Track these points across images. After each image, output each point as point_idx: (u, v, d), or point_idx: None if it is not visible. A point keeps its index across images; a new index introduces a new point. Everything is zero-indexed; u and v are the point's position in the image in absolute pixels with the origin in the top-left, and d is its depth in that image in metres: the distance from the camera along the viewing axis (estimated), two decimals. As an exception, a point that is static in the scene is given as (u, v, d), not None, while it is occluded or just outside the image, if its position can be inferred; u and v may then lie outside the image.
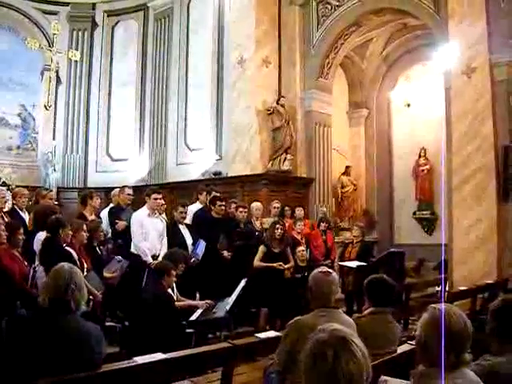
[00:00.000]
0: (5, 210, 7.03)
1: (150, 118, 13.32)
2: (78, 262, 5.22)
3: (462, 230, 8.24)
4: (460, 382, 2.11)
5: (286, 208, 9.16)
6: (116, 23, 14.09)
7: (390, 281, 3.90)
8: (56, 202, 9.47)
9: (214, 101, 11.89)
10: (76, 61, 13.27)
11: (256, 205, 8.34)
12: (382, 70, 13.39)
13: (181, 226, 7.32)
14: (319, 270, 3.38)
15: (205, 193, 8.24)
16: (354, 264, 8.06)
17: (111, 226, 7.39)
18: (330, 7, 10.84)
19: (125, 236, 7.02)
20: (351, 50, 12.10)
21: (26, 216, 7.05)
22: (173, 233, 7.11)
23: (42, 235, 5.51)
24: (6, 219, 6.35)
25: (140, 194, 7.85)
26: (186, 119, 12.52)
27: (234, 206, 8.21)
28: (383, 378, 2.99)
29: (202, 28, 12.37)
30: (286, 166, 10.54)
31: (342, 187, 12.66)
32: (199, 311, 5.65)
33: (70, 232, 5.54)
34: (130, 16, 13.98)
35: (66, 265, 2.92)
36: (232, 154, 10.99)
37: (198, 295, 6.67)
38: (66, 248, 5.41)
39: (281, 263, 7.23)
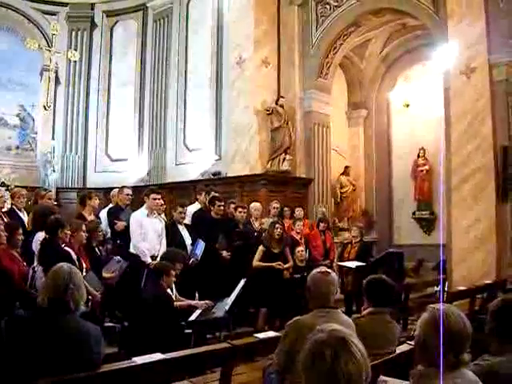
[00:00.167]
0: (4, 210, 7.02)
1: (149, 118, 13.31)
2: (76, 262, 5.22)
3: (461, 230, 8.24)
4: (459, 382, 2.11)
5: (285, 208, 9.16)
6: (115, 23, 14.08)
7: (389, 281, 3.90)
8: (55, 203, 9.45)
9: (213, 101, 11.88)
10: (75, 61, 13.27)
11: (255, 205, 8.34)
12: (381, 70, 13.40)
13: (180, 227, 7.31)
14: (318, 270, 3.38)
15: (204, 193, 8.24)
16: (353, 264, 8.07)
17: (110, 226, 7.38)
18: (329, 7, 10.84)
19: (124, 236, 7.01)
20: (350, 50, 12.11)
21: (24, 216, 7.04)
22: (172, 233, 7.11)
23: (40, 235, 5.51)
24: (5, 219, 6.34)
25: (139, 195, 7.85)
26: (185, 119, 12.51)
27: (233, 206, 8.21)
28: (382, 378, 2.99)
29: (202, 28, 12.36)
30: (285, 167, 10.54)
31: (341, 187, 12.67)
32: (198, 311, 5.65)
33: (69, 232, 5.54)
34: (129, 16, 13.97)
35: (65, 265, 2.92)
36: (231, 154, 10.98)
37: (197, 295, 6.66)
38: (65, 248, 5.41)
39: (280, 263, 7.24)
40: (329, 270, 3.37)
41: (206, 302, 5.83)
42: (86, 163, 13.79)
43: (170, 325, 5.05)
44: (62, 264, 2.93)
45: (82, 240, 5.94)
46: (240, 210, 7.96)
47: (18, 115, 13.31)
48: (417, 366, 2.28)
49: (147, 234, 6.71)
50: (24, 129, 13.42)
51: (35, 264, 5.27)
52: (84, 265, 5.67)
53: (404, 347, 3.45)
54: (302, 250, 7.92)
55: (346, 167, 12.86)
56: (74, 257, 5.41)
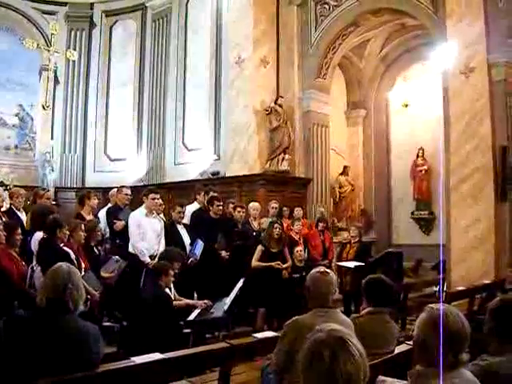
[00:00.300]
0: (2, 209, 7.01)
1: (147, 117, 13.30)
2: (75, 262, 5.22)
3: (460, 229, 8.25)
4: (457, 382, 2.11)
5: (284, 208, 9.16)
6: (114, 23, 14.07)
7: (388, 281, 3.90)
8: (54, 202, 9.44)
9: (212, 101, 11.87)
10: (74, 61, 13.28)
11: (253, 205, 8.35)
12: (380, 69, 13.40)
13: (179, 226, 7.31)
14: (317, 270, 3.39)
15: (203, 193, 8.23)
16: (351, 264, 8.06)
17: (109, 226, 7.38)
18: (328, 7, 10.84)
19: (123, 236, 7.01)
20: (349, 50, 12.10)
21: (23, 216, 7.03)
22: (171, 233, 7.11)
23: (39, 235, 5.51)
24: (4, 219, 6.34)
25: (138, 194, 7.85)
26: (184, 119, 12.51)
27: (231, 206, 8.21)
28: (381, 378, 2.99)
29: (201, 28, 12.35)
30: (283, 166, 10.54)
31: (340, 187, 12.67)
32: (197, 311, 5.65)
33: (68, 232, 5.54)
34: (128, 16, 13.96)
35: (63, 264, 2.92)
36: (230, 154, 10.98)
37: (195, 295, 6.67)
38: (64, 248, 5.41)
39: (279, 263, 7.24)
40: (328, 270, 3.38)
41: (205, 301, 5.84)
42: (85, 163, 13.79)
43: (168, 325, 5.05)
44: (60, 264, 2.93)
45: (81, 239, 5.94)
46: (239, 209, 7.97)
47: (16, 115, 13.32)
48: (415, 365, 2.28)
49: (146, 233, 6.71)
50: (23, 128, 13.42)
51: (34, 263, 5.27)
52: (83, 264, 5.67)
53: (403, 347, 3.46)
54: (300, 250, 7.92)
55: (345, 167, 12.86)
56: (73, 256, 5.40)
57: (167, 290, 5.49)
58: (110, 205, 8.11)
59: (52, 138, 13.20)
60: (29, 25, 13.39)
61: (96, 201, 7.53)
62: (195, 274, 6.81)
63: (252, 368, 3.99)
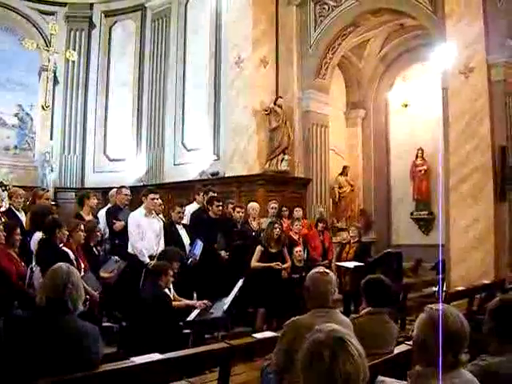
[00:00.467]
0: (1, 210, 7.01)
1: (147, 118, 13.28)
2: (75, 262, 5.22)
3: (460, 229, 8.25)
4: (457, 382, 2.11)
5: (284, 208, 9.16)
6: (114, 23, 14.04)
7: (388, 281, 3.90)
8: (53, 203, 9.43)
9: (212, 101, 11.86)
10: (73, 61, 13.24)
11: (252, 205, 8.35)
12: (379, 70, 13.40)
13: (178, 227, 7.31)
14: (316, 270, 3.39)
15: (202, 193, 8.23)
16: (351, 264, 8.06)
17: (109, 226, 7.38)
18: (327, 7, 10.84)
19: (122, 236, 7.01)
20: (349, 50, 12.10)
21: (22, 216, 7.03)
22: (170, 233, 7.11)
23: (38, 235, 5.51)
24: (3, 219, 6.34)
25: (137, 195, 7.85)
26: (183, 119, 12.49)
27: (231, 206, 8.22)
28: (380, 378, 2.99)
29: (200, 28, 12.34)
30: (283, 167, 10.54)
31: (340, 187, 12.67)
32: (196, 311, 5.66)
33: (67, 232, 5.54)
34: (127, 16, 13.93)
35: (63, 265, 2.92)
36: (229, 155, 10.98)
37: (195, 295, 6.66)
38: (63, 248, 5.41)
39: (278, 263, 7.24)
40: (327, 270, 3.38)
41: (205, 301, 5.84)
42: (85, 163, 13.76)
43: (168, 325, 5.05)
44: (60, 264, 2.92)
45: (80, 239, 5.95)
46: (238, 209, 7.98)
47: (16, 115, 13.28)
48: (415, 366, 2.28)
49: (145, 233, 6.71)
50: (22, 129, 13.39)
51: (33, 264, 5.27)
52: (82, 265, 5.67)
53: (402, 347, 3.46)
54: (300, 250, 7.92)
55: (345, 167, 12.86)
56: (72, 257, 5.41)
57: (166, 290, 5.49)
58: (109, 205, 8.12)
59: (51, 138, 13.18)
60: (28, 25, 13.37)
61: (95, 201, 7.55)
62: (195, 274, 6.81)
63: (252, 368, 3.99)
